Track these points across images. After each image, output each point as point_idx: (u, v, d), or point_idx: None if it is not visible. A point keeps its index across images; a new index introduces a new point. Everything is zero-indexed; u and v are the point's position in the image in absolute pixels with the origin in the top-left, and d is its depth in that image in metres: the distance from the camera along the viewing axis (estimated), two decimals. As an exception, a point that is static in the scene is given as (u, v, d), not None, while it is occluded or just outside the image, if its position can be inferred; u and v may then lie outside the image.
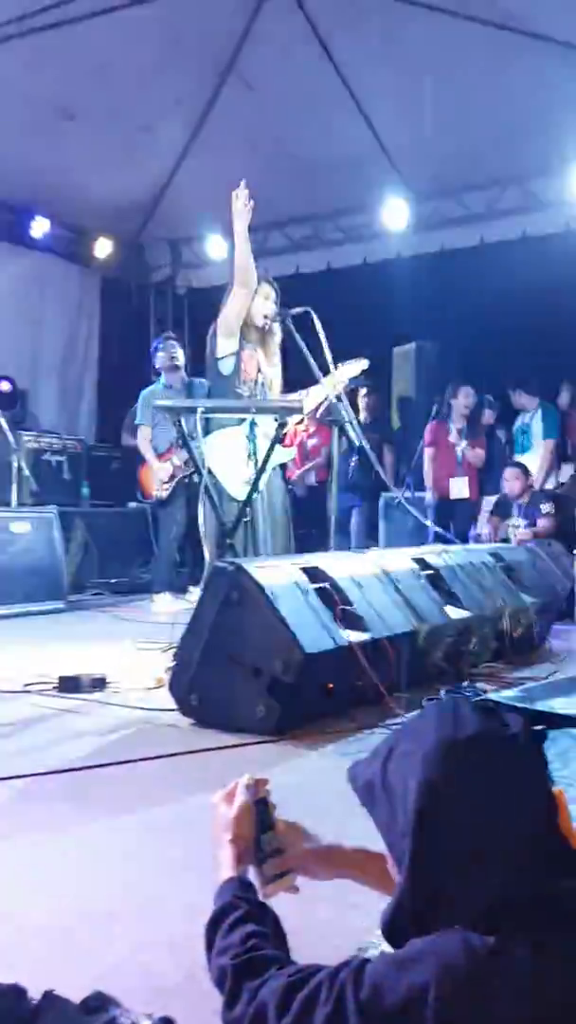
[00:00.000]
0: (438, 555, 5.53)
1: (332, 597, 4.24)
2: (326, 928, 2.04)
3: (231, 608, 3.98)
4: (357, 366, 5.36)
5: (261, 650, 3.90)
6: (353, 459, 8.94)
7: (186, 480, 7.94)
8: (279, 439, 4.96)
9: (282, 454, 5.28)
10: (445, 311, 9.96)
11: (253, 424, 4.94)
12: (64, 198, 10.00)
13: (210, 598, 4.07)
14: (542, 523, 8.09)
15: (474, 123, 8.64)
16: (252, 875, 1.54)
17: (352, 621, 4.22)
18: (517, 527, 8.20)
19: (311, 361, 5.00)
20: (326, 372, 5.08)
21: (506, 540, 7.97)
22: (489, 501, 8.70)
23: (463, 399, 8.65)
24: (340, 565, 4.57)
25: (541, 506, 8.14)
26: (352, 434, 5.14)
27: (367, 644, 4.13)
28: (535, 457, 8.73)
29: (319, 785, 3.10)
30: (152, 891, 2.39)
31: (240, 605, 3.96)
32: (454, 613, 5.00)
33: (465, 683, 4.70)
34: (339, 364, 5.22)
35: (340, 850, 1.63)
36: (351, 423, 5.18)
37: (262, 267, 5.24)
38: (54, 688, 4.69)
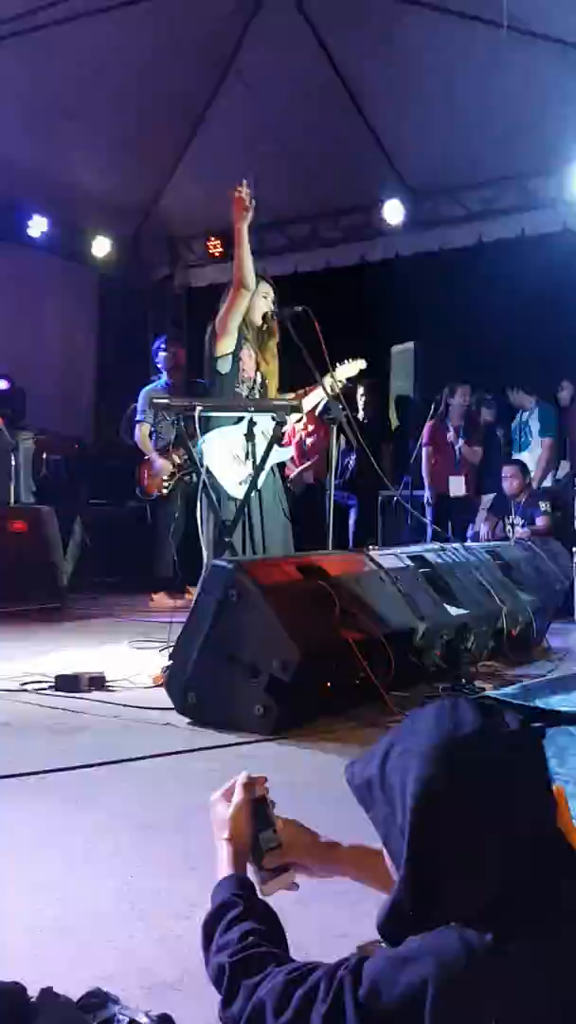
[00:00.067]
0: (436, 553, 5.53)
1: (330, 596, 4.24)
2: (324, 926, 2.05)
3: (229, 607, 3.98)
4: (355, 366, 5.36)
5: (259, 649, 3.90)
6: (351, 457, 8.95)
7: (185, 479, 7.94)
8: (278, 438, 4.96)
9: (280, 453, 5.28)
10: (443, 310, 9.95)
11: (251, 423, 4.94)
12: (62, 197, 9.99)
13: (208, 597, 4.07)
14: (540, 521, 8.09)
15: (472, 122, 8.63)
16: (251, 873, 1.54)
17: (350, 619, 4.22)
18: (515, 525, 8.21)
19: (309, 360, 5.00)
20: (324, 371, 5.08)
21: (504, 538, 7.97)
22: (487, 499, 8.70)
23: (461, 398, 8.65)
24: (338, 564, 4.58)
25: (539, 504, 8.15)
26: (350, 433, 5.15)
27: (365, 643, 4.13)
28: (533, 456, 8.74)
29: (317, 784, 3.10)
30: (150, 889, 2.39)
31: (238, 604, 3.96)
32: (452, 611, 5.00)
33: (463, 681, 4.70)
34: (337, 364, 5.22)
35: (338, 848, 1.63)
36: (349, 422, 5.19)
37: (260, 266, 5.24)
38: (51, 687, 4.69)
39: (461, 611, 5.06)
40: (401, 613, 4.59)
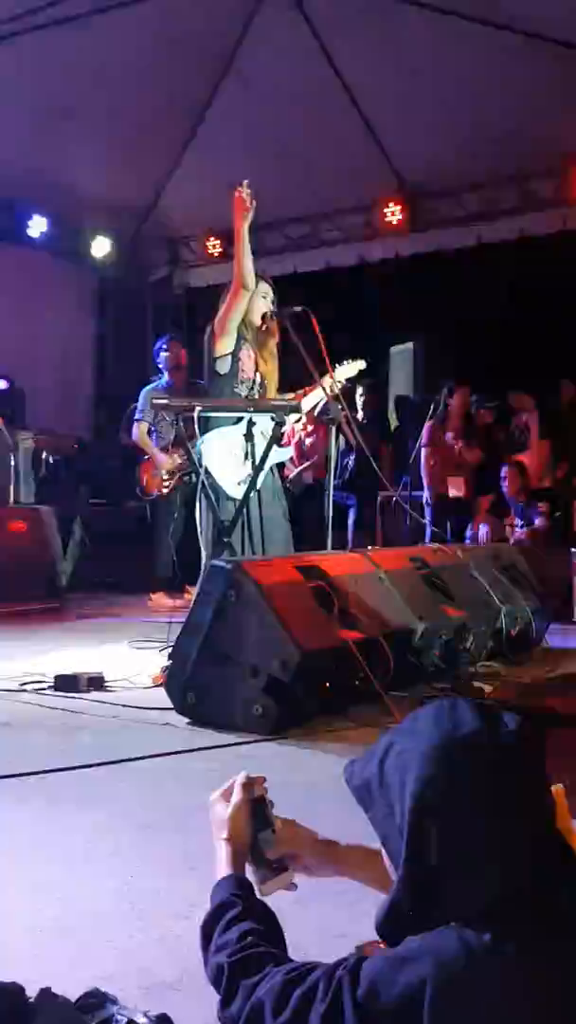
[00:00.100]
0: (435, 554, 5.53)
1: (329, 596, 4.24)
2: (323, 926, 2.05)
3: (228, 607, 3.98)
4: (355, 367, 5.36)
5: (258, 649, 3.90)
6: (350, 458, 8.95)
7: (185, 479, 7.94)
8: (277, 438, 4.96)
9: (279, 454, 5.28)
10: (443, 311, 9.97)
11: (250, 423, 4.94)
12: (62, 197, 9.99)
13: (207, 597, 4.07)
14: (539, 522, 8.09)
15: (472, 123, 8.64)
16: (249, 873, 1.54)
17: (349, 620, 4.22)
18: (514, 526, 8.21)
19: (308, 361, 5.00)
20: (323, 372, 5.08)
21: (503, 539, 7.97)
22: (486, 500, 8.70)
23: (460, 399, 8.64)
24: (337, 564, 4.58)
25: (538, 505, 8.15)
26: (349, 433, 5.15)
27: (364, 643, 4.13)
28: (532, 456, 8.74)
29: (316, 784, 3.10)
30: (149, 889, 2.39)
31: (237, 604, 3.97)
32: (451, 612, 5.00)
33: (462, 682, 4.71)
34: (337, 364, 5.22)
35: (337, 848, 1.63)
36: (348, 422, 5.19)
37: (259, 266, 5.23)
38: (51, 687, 4.69)
39: (460, 612, 5.06)
40: (400, 613, 4.60)
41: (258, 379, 5.23)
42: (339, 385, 5.25)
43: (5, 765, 3.38)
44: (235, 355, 5.11)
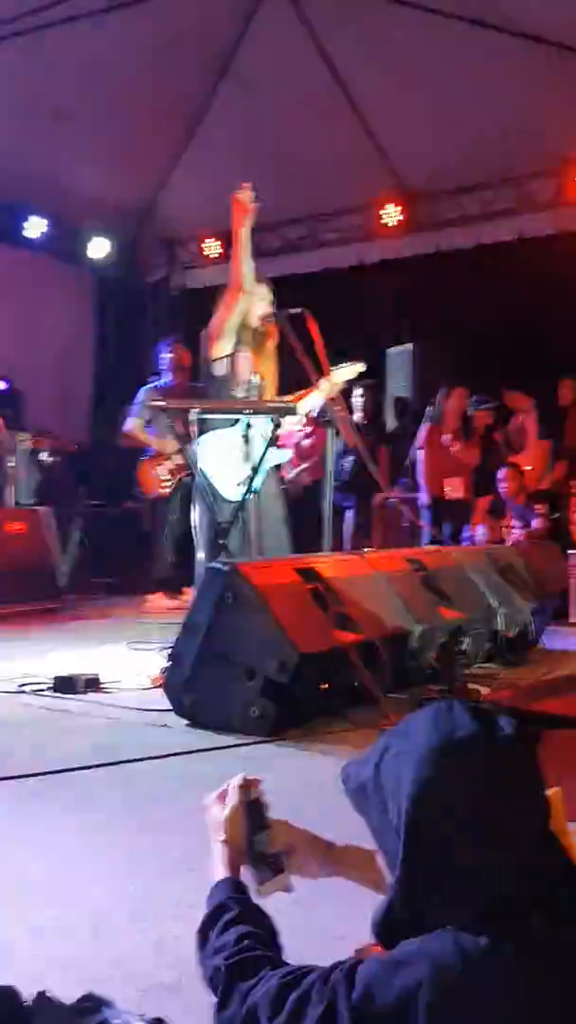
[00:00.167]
0: (432, 556, 5.53)
1: (326, 598, 4.24)
2: (320, 928, 2.05)
3: (226, 609, 3.99)
4: (353, 369, 5.36)
5: (256, 651, 3.90)
6: (348, 459, 8.94)
7: (185, 479, 7.94)
8: (274, 440, 4.96)
9: (277, 455, 5.28)
10: (440, 312, 9.96)
11: (248, 425, 4.94)
12: (60, 198, 9.99)
13: (204, 599, 4.08)
14: (536, 524, 8.10)
15: (469, 124, 8.64)
16: (246, 875, 1.54)
17: (346, 622, 4.23)
18: (511, 528, 8.21)
19: (306, 363, 5.00)
20: (321, 373, 5.08)
21: (500, 541, 7.98)
22: (484, 502, 8.70)
23: (456, 400, 8.64)
24: (335, 566, 4.58)
25: (535, 507, 8.15)
26: (347, 435, 5.15)
27: (361, 645, 4.13)
28: (529, 458, 8.73)
29: (314, 785, 3.10)
30: (146, 892, 2.39)
31: (235, 606, 3.97)
32: (448, 614, 5.00)
33: (459, 683, 4.71)
34: (334, 367, 5.22)
35: (334, 849, 1.63)
36: (346, 424, 5.19)
37: (257, 268, 5.23)
38: (48, 688, 4.69)
39: (457, 613, 5.07)
40: (397, 615, 4.60)
41: (256, 381, 5.23)
42: (337, 388, 5.25)
43: (3, 766, 3.38)
44: (232, 357, 5.11)
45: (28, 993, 1.50)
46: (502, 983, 1.12)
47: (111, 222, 10.96)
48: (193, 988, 1.57)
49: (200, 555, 5.01)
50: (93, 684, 4.73)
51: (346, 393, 6.49)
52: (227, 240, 10.08)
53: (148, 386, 8.44)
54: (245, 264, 5.03)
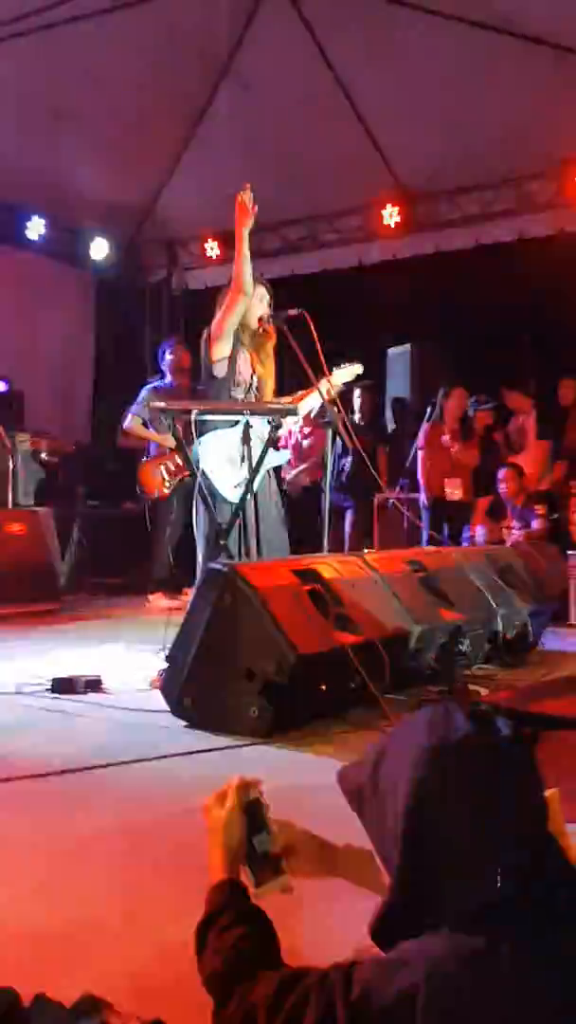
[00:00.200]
0: (432, 557, 5.53)
1: (325, 599, 4.24)
2: (318, 930, 2.05)
3: (224, 610, 3.99)
4: (352, 371, 5.36)
5: (254, 652, 3.90)
6: (347, 460, 8.95)
7: (186, 480, 7.94)
8: (273, 442, 4.96)
9: (276, 457, 5.27)
10: (440, 313, 9.97)
11: (247, 426, 4.94)
12: (60, 199, 9.99)
13: (203, 600, 4.08)
14: (536, 524, 8.09)
15: (469, 125, 8.64)
16: (245, 876, 1.54)
17: (345, 623, 4.23)
18: (511, 529, 8.21)
19: (305, 364, 5.00)
20: (320, 374, 5.08)
21: (500, 542, 7.97)
22: (483, 502, 8.70)
23: (455, 401, 8.64)
24: (334, 567, 4.58)
25: (535, 507, 8.15)
26: (346, 436, 5.14)
27: (360, 646, 4.13)
28: (529, 458, 8.74)
29: (312, 787, 3.10)
30: (144, 893, 2.39)
31: (233, 607, 3.97)
32: (447, 615, 5.00)
33: (458, 685, 4.71)
34: (333, 368, 5.21)
35: (333, 850, 1.63)
36: (345, 425, 5.19)
37: (256, 268, 5.23)
38: (48, 689, 4.69)
39: (456, 615, 5.07)
40: (396, 616, 4.60)
41: (255, 382, 5.23)
42: (336, 390, 5.25)
43: (2, 767, 3.38)
44: (232, 358, 5.10)
45: (26, 995, 1.50)
46: (499, 985, 1.11)
47: (111, 223, 10.96)
48: (192, 990, 1.57)
49: (200, 556, 5.00)
50: (93, 685, 4.73)
51: (345, 394, 6.49)
52: (227, 241, 10.10)
53: (149, 386, 8.46)
54: (246, 267, 5.03)
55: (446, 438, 8.57)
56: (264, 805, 1.61)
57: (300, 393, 5.26)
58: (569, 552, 7.55)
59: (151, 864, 2.59)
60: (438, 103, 8.57)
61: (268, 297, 5.22)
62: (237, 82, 9.22)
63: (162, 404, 5.70)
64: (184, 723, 4.08)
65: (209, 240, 10.96)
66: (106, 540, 9.44)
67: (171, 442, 7.94)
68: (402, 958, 1.16)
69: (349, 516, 9.34)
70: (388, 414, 10.39)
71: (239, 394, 5.15)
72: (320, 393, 5.07)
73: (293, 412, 4.98)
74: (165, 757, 3.60)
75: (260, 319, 5.17)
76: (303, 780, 3.26)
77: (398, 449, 9.45)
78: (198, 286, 11.39)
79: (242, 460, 4.90)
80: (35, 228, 10.35)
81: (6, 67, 8.08)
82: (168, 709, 4.14)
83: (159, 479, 8.12)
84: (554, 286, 8.94)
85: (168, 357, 8.48)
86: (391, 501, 8.54)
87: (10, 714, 4.31)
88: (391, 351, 10.45)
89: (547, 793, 1.25)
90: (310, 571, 4.37)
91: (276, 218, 9.95)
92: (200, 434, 4.97)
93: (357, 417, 9.23)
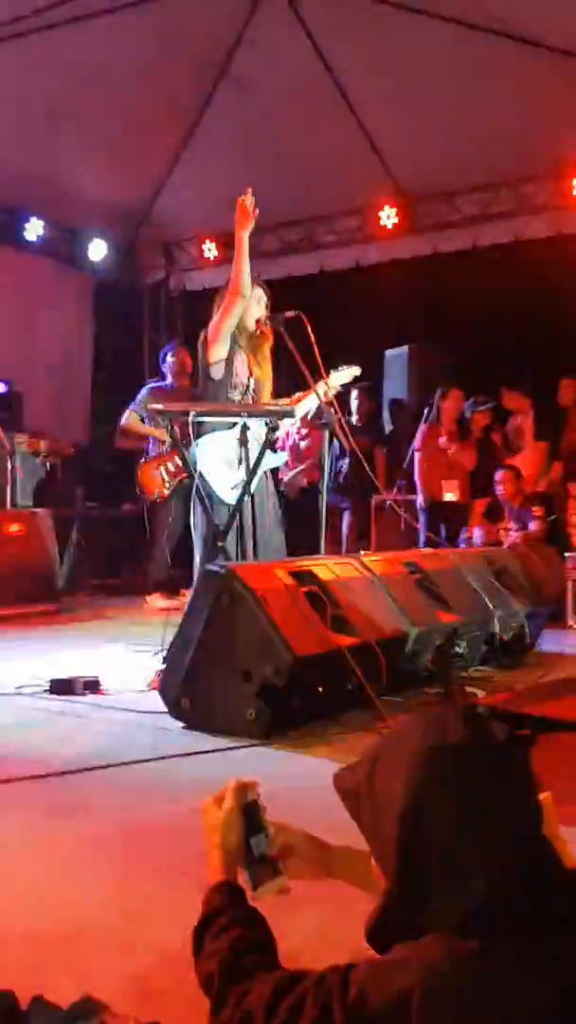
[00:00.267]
0: (429, 558, 5.54)
1: (322, 600, 4.25)
2: (315, 932, 2.05)
3: (222, 611, 3.99)
4: (349, 373, 5.36)
5: (251, 653, 3.91)
6: (345, 461, 8.95)
7: (185, 481, 7.94)
8: (270, 443, 4.97)
9: (273, 459, 5.28)
10: (438, 314, 9.97)
11: (245, 428, 4.94)
12: (58, 200, 9.99)
13: (201, 601, 4.08)
14: (533, 526, 8.10)
15: (467, 127, 8.65)
16: (242, 878, 1.55)
17: (342, 625, 4.23)
18: (508, 530, 8.21)
19: (302, 366, 5.00)
20: (318, 376, 5.08)
21: (497, 543, 7.98)
22: (481, 504, 8.70)
23: (452, 402, 8.64)
24: (331, 569, 4.59)
25: (532, 509, 8.15)
26: (343, 438, 5.15)
27: (357, 648, 4.14)
28: (527, 460, 8.74)
29: (309, 788, 3.11)
30: (141, 895, 2.40)
31: (231, 608, 3.98)
32: (444, 617, 5.00)
33: (455, 686, 4.71)
34: (331, 370, 5.22)
35: (330, 852, 1.64)
36: (342, 427, 5.19)
37: (254, 269, 5.24)
38: (46, 691, 4.70)
39: (453, 616, 5.07)
40: (393, 618, 4.60)
41: (252, 384, 5.23)
42: (333, 392, 5.26)
43: (1, 769, 3.38)
44: (229, 360, 5.11)
45: (24, 997, 1.51)
46: (495, 988, 1.12)
47: (110, 224, 10.96)
48: (188, 992, 1.58)
49: (197, 557, 5.01)
50: (91, 686, 4.73)
51: (342, 395, 6.50)
52: (225, 242, 10.10)
53: (148, 386, 8.47)
54: (245, 269, 5.03)
55: (443, 439, 8.57)
56: (262, 807, 1.61)
57: (297, 395, 5.27)
58: (566, 554, 7.56)
59: (149, 865, 2.59)
60: (436, 104, 8.58)
61: (266, 299, 5.23)
62: (235, 83, 9.21)
63: (159, 406, 5.71)
64: (182, 724, 4.08)
65: (207, 241, 10.96)
66: (105, 541, 9.44)
67: (168, 437, 7.94)
68: (398, 960, 1.17)
69: (346, 518, 9.34)
70: (386, 415, 10.39)
71: (236, 396, 5.16)
72: (317, 395, 5.08)
73: (290, 414, 4.98)
74: (163, 758, 3.61)
75: (258, 321, 5.17)
76: (300, 782, 3.27)
77: (395, 450, 9.45)
78: (196, 287, 11.39)
79: (239, 462, 4.91)
80: (34, 229, 10.35)
81: (4, 67, 8.08)
82: (166, 710, 4.14)
83: (159, 480, 8.12)
84: (552, 288, 8.95)
85: (170, 360, 8.50)
86: (388, 503, 8.55)
87: (9, 715, 4.31)
88: (389, 352, 10.45)
89: (541, 796, 1.26)
90: (307, 573, 4.38)
91: (274, 219, 9.95)
92: (197, 436, 4.97)
93: (354, 418, 9.23)
